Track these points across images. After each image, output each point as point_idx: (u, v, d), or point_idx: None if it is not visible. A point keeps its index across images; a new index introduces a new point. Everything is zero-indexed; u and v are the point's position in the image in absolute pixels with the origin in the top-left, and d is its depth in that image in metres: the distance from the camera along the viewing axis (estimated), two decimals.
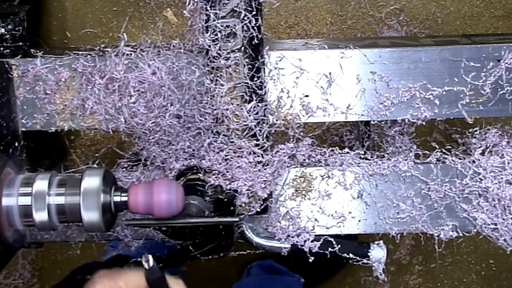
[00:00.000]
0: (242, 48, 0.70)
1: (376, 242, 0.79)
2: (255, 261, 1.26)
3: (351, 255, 0.78)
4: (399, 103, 0.78)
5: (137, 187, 0.67)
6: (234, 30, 0.69)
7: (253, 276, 1.17)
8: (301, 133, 0.79)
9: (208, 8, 0.68)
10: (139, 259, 0.67)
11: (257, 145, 0.73)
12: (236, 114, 0.71)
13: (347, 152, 0.81)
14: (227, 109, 0.71)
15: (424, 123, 0.79)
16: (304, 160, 0.81)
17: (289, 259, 1.20)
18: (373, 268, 0.79)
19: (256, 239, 0.79)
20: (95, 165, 0.83)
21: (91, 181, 0.65)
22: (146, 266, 0.66)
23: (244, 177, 0.73)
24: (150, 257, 0.66)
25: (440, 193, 0.80)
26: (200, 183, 0.74)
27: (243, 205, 0.75)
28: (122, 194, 0.67)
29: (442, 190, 0.80)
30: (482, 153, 0.80)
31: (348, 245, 0.79)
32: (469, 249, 1.36)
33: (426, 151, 0.81)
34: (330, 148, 0.82)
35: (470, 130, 0.82)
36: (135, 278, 0.67)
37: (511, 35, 0.82)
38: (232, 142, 0.72)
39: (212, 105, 0.71)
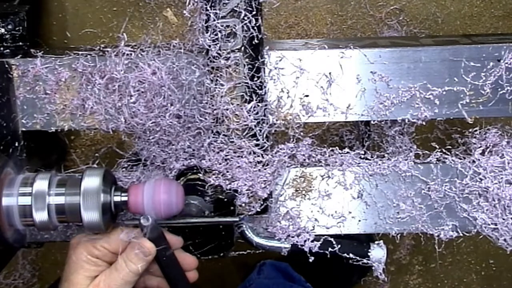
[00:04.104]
0: (242, 48, 0.70)
1: (376, 242, 0.79)
2: (269, 259, 1.24)
3: (351, 255, 0.78)
4: (399, 103, 0.78)
5: (137, 187, 0.67)
6: (234, 30, 0.69)
7: (265, 278, 1.16)
8: (301, 133, 0.79)
9: (208, 8, 0.68)
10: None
11: (257, 145, 0.73)
12: (236, 114, 0.71)
13: (347, 152, 0.81)
14: (227, 109, 0.71)
15: (424, 123, 0.79)
16: (304, 160, 0.81)
17: (303, 268, 1.20)
18: (373, 268, 0.79)
19: (256, 239, 0.79)
20: (95, 165, 0.83)
21: (91, 181, 0.65)
22: (145, 224, 0.66)
23: (244, 177, 0.73)
24: (148, 216, 0.66)
25: (440, 193, 0.80)
26: (200, 183, 0.74)
27: (243, 205, 0.75)
28: (122, 194, 0.67)
29: (442, 190, 0.80)
30: (482, 153, 0.80)
31: (348, 245, 0.79)
32: (469, 249, 1.36)
33: (426, 151, 0.81)
34: (330, 148, 0.82)
35: (470, 130, 0.82)
36: (117, 237, 0.68)
37: (511, 35, 0.82)
38: (232, 142, 0.72)
39: (212, 105, 0.71)
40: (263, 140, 0.73)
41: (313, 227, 0.81)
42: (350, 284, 1.37)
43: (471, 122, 0.79)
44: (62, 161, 1.12)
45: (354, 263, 0.78)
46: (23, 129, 0.79)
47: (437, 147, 0.81)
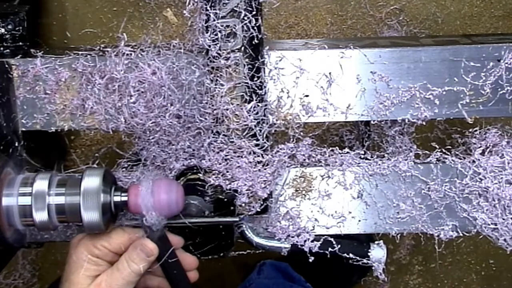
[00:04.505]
0: (242, 48, 0.70)
1: (376, 242, 0.79)
2: (269, 259, 1.24)
3: (351, 255, 0.78)
4: (399, 103, 0.78)
5: (137, 187, 0.67)
6: (234, 30, 0.69)
7: (265, 278, 1.16)
8: (301, 133, 0.79)
9: (208, 8, 0.68)
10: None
11: (257, 145, 0.73)
12: (236, 114, 0.71)
13: (347, 152, 0.81)
14: (227, 109, 0.71)
15: (424, 123, 0.79)
16: (304, 160, 0.81)
17: (303, 268, 1.20)
18: (373, 268, 0.79)
19: (256, 239, 0.79)
20: (95, 165, 0.83)
21: (91, 181, 0.65)
22: (148, 225, 0.66)
23: (244, 177, 0.73)
24: (151, 217, 0.66)
25: (440, 193, 0.80)
26: (200, 183, 0.74)
27: (243, 205, 0.75)
28: (122, 194, 0.67)
29: (442, 190, 0.80)
30: (482, 153, 0.80)
31: (348, 245, 0.79)
32: (469, 249, 1.36)
33: (426, 151, 0.81)
34: (330, 148, 0.82)
35: (470, 130, 0.82)
36: (118, 237, 0.68)
37: (511, 35, 0.82)
38: (232, 142, 0.72)
39: (212, 105, 0.71)
40: (263, 140, 0.73)
41: (313, 227, 0.81)
42: (350, 284, 1.37)
43: (471, 122, 0.79)
44: (62, 161, 1.12)
45: (354, 263, 0.78)
46: (23, 129, 0.79)
47: (437, 147, 0.81)
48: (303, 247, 0.79)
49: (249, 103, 0.71)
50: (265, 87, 0.73)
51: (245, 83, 0.70)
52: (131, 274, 0.66)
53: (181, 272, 0.70)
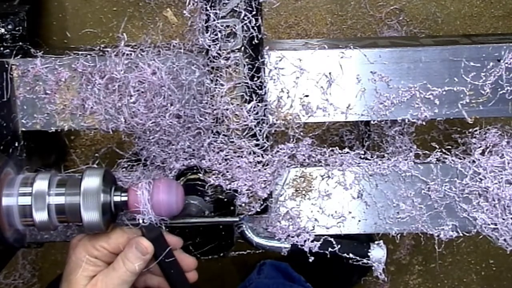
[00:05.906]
0: (242, 48, 0.70)
1: (376, 242, 0.79)
2: (269, 259, 1.24)
3: (351, 255, 0.78)
4: (399, 103, 0.78)
5: (136, 187, 0.67)
6: (234, 30, 0.69)
7: (265, 278, 1.16)
8: (301, 133, 0.79)
9: (208, 8, 0.68)
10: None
11: (257, 145, 0.73)
12: (236, 114, 0.71)
13: (347, 152, 0.81)
14: (227, 109, 0.71)
15: (424, 123, 0.79)
16: (304, 160, 0.81)
17: (303, 268, 1.20)
18: (373, 268, 0.79)
19: (256, 239, 0.79)
20: (95, 165, 0.83)
21: (91, 181, 0.65)
22: (144, 224, 0.66)
23: (244, 177, 0.73)
24: (147, 216, 0.67)
25: (440, 193, 0.80)
26: (200, 183, 0.74)
27: (243, 205, 0.75)
28: (122, 194, 0.67)
29: (442, 190, 0.80)
30: (482, 153, 0.80)
31: (348, 245, 0.79)
32: (469, 249, 1.36)
33: (426, 151, 0.81)
34: (330, 148, 0.82)
35: (470, 130, 0.82)
36: (117, 237, 0.68)
37: (511, 35, 0.82)
38: (232, 142, 0.72)
39: (212, 105, 0.71)
40: (263, 140, 0.73)
41: (313, 227, 0.81)
42: (350, 284, 1.37)
43: (471, 122, 0.79)
44: (62, 161, 1.12)
45: (354, 263, 0.78)
46: (23, 129, 0.79)
47: (437, 147, 0.81)
48: (303, 247, 0.79)
49: (249, 103, 0.71)
50: (265, 87, 0.73)
51: (245, 83, 0.70)
52: (127, 273, 0.66)
53: (179, 271, 0.70)
